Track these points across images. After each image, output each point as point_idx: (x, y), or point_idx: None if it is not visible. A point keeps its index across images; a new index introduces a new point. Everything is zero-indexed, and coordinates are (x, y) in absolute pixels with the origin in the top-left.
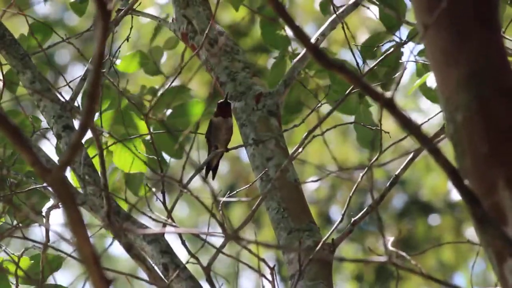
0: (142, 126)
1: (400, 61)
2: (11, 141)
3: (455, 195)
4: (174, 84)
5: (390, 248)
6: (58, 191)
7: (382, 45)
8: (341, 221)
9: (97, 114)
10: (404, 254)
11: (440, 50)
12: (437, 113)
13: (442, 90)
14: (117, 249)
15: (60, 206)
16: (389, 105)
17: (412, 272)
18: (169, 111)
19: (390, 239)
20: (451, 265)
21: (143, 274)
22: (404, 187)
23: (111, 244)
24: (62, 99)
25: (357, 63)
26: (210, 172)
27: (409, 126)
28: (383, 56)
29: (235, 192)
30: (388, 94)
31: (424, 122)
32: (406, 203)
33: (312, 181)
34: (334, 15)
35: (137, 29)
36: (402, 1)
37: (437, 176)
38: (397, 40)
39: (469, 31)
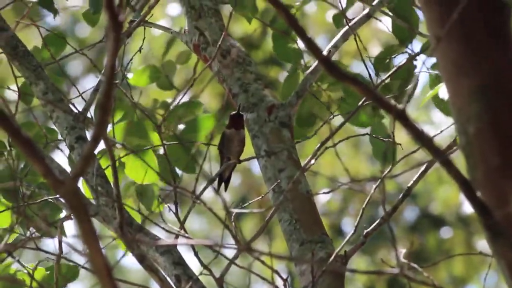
0: (154, 138)
1: (413, 73)
2: (23, 152)
3: (467, 208)
4: (186, 97)
5: (402, 260)
6: (71, 202)
7: (395, 57)
8: (354, 233)
9: (109, 126)
10: (415, 266)
11: (452, 61)
12: (449, 126)
13: (454, 101)
14: (129, 261)
15: (73, 217)
16: (402, 117)
17: (424, 284)
18: (181, 126)
19: (402, 251)
20: (462, 278)
21: (156, 286)
22: (416, 200)
23: (123, 256)
24: (75, 110)
25: (370, 75)
26: (223, 184)
27: (421, 138)
28: (395, 68)
29: (247, 203)
30: (400, 106)
31: (436, 135)
32: (418, 216)
33: (324, 192)
34: (347, 27)
35: (148, 41)
36: (414, 13)
37: (448, 188)
38: (410, 52)
39: (480, 42)
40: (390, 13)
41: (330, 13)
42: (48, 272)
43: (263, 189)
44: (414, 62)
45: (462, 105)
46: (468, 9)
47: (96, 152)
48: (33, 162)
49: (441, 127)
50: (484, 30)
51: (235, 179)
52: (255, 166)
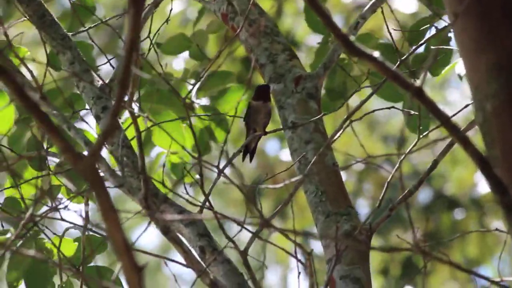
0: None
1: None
2: (42, 127)
3: (481, 189)
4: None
5: (418, 237)
6: (90, 178)
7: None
8: (379, 206)
9: (136, 96)
10: (431, 244)
11: (470, 38)
12: (465, 106)
13: (471, 78)
14: (144, 239)
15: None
16: (419, 94)
17: (440, 261)
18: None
19: (418, 229)
20: (476, 259)
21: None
22: (429, 182)
23: (147, 228)
24: (101, 81)
25: (396, 48)
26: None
27: (438, 115)
28: (424, 41)
29: (267, 178)
30: (417, 83)
31: (456, 114)
32: (432, 198)
33: (341, 168)
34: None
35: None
36: None
37: (463, 169)
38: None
39: (498, 21)
40: None
41: None
42: (76, 243)
43: (277, 170)
44: (450, 35)
45: (480, 83)
46: None
47: (121, 122)
48: (52, 137)
49: (456, 106)
50: (500, 10)
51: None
52: (269, 147)
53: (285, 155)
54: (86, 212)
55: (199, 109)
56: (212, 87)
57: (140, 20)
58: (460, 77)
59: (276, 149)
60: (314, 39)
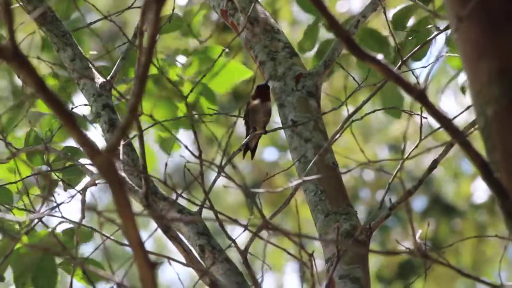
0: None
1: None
2: (62, 122)
3: (479, 197)
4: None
5: (417, 240)
6: (106, 174)
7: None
8: (380, 207)
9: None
10: (430, 246)
11: (472, 43)
12: (466, 108)
13: (473, 83)
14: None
15: (99, 185)
16: (421, 98)
17: (439, 263)
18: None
19: (418, 232)
20: (473, 268)
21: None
22: (428, 188)
23: (156, 229)
24: (102, 78)
25: (397, 47)
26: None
27: (441, 118)
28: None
29: (266, 178)
30: (420, 86)
31: (457, 116)
32: (429, 203)
33: (342, 172)
34: None
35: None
36: None
37: (461, 177)
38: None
39: (501, 25)
40: None
41: (341, 3)
42: (64, 236)
43: (274, 176)
44: (432, 25)
45: (481, 88)
46: None
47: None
48: (72, 132)
49: (456, 109)
50: (505, 12)
51: (246, 166)
52: (266, 154)
53: (282, 160)
54: (83, 209)
55: (187, 83)
56: (201, 64)
57: (160, 18)
58: (463, 91)
59: (274, 155)
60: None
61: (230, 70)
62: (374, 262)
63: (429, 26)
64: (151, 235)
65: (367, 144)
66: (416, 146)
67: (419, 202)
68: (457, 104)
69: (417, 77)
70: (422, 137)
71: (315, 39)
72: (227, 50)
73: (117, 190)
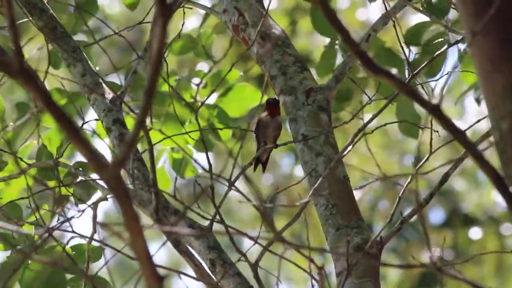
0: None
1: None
2: (69, 137)
3: (499, 207)
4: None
5: (435, 254)
6: (114, 188)
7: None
8: (390, 221)
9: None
10: (448, 260)
11: (487, 57)
12: (480, 119)
13: (488, 97)
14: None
15: (110, 199)
16: (436, 111)
17: (456, 279)
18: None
19: (435, 247)
20: (497, 278)
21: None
22: (445, 199)
23: (164, 243)
24: (112, 93)
25: (408, 61)
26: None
27: (455, 132)
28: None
29: (279, 191)
30: (435, 100)
31: (469, 128)
32: (448, 214)
33: (356, 188)
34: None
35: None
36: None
37: (480, 188)
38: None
39: None
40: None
41: (359, 10)
42: (74, 252)
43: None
44: (447, 38)
45: (497, 102)
46: (503, 5)
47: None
48: (79, 146)
49: (472, 119)
50: None
51: (267, 178)
52: (284, 163)
53: (299, 170)
54: (94, 224)
55: (203, 108)
56: (214, 84)
57: (167, 31)
58: (478, 102)
59: (291, 163)
60: None
61: (244, 94)
62: (395, 274)
63: (440, 39)
64: (159, 248)
65: (387, 154)
66: (427, 159)
67: (437, 214)
68: (471, 114)
69: (430, 91)
70: (433, 150)
71: (333, 64)
72: (241, 74)
73: (124, 203)
